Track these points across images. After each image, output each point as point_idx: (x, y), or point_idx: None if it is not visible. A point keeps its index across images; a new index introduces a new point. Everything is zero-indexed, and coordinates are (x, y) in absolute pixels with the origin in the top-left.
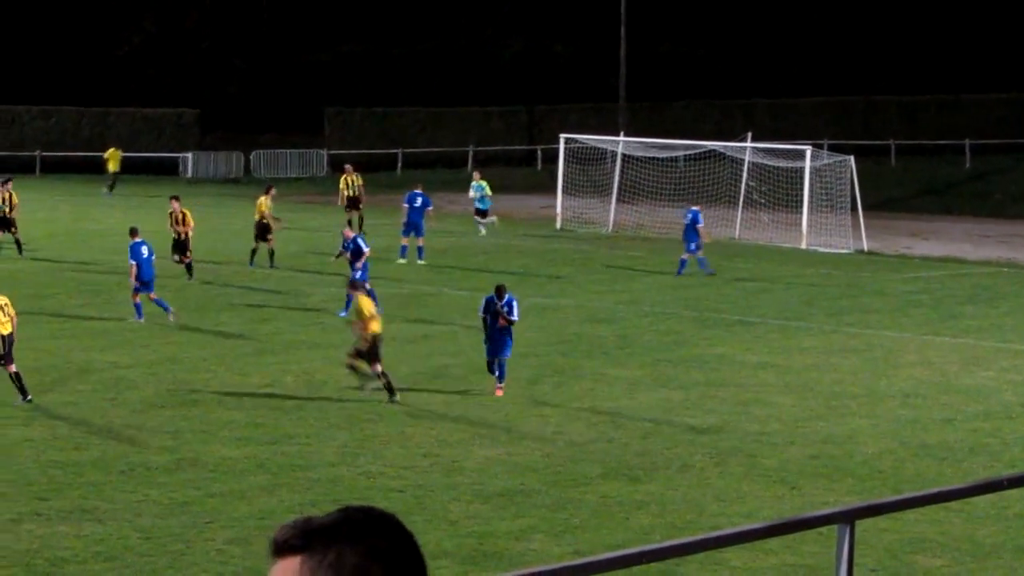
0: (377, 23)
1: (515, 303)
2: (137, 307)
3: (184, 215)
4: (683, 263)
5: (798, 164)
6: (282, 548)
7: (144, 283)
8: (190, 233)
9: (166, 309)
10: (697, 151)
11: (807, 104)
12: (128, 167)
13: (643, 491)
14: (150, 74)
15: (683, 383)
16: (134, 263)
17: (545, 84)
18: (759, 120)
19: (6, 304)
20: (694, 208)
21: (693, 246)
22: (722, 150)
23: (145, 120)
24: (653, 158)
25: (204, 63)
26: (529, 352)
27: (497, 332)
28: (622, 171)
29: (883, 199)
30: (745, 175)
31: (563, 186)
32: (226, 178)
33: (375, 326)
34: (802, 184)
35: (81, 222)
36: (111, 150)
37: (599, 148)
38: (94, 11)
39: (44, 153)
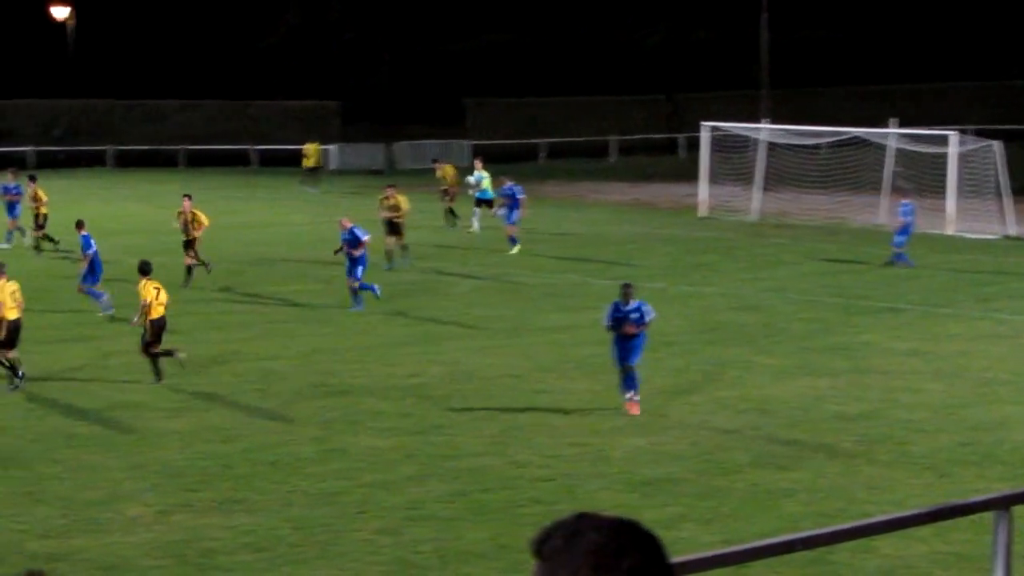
0: (518, 13)
1: (645, 307)
2: (99, 297)
3: (194, 215)
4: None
5: (943, 150)
6: (531, 550)
7: (94, 274)
8: (199, 235)
9: (100, 302)
10: (840, 138)
11: (951, 89)
12: (270, 160)
13: (791, 479)
14: (292, 66)
15: (830, 371)
16: (89, 254)
17: (686, 72)
18: (902, 106)
19: (16, 290)
20: (907, 201)
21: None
22: (865, 136)
23: (287, 112)
24: (796, 145)
25: (346, 55)
26: (675, 341)
27: (625, 337)
28: (765, 158)
29: None
30: (890, 161)
31: (706, 174)
32: (369, 169)
33: (160, 310)
34: (947, 170)
35: (224, 215)
36: (310, 144)
37: (741, 136)
38: (237, 4)
39: (187, 147)
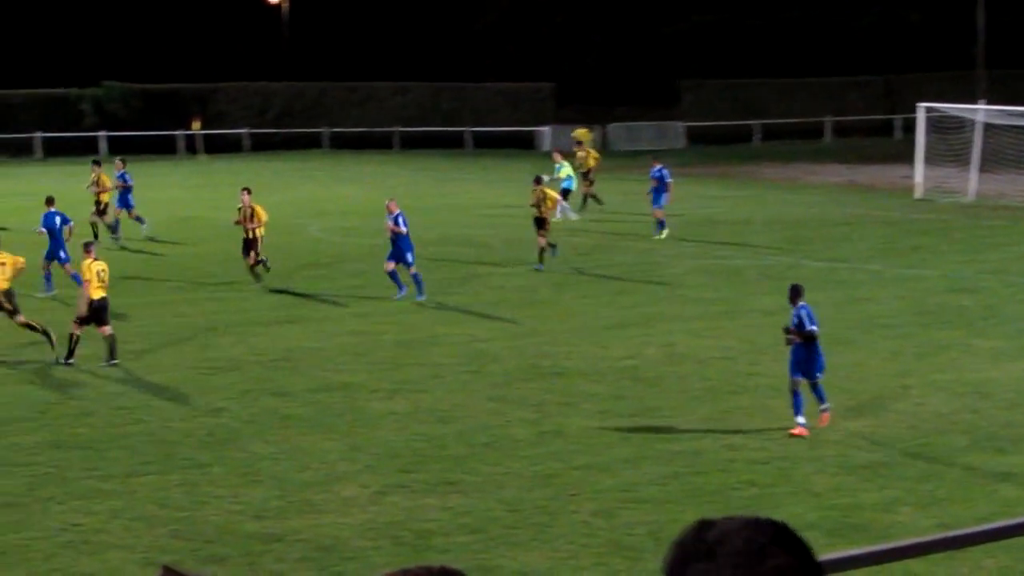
0: None
1: (805, 311)
2: (47, 278)
3: (253, 210)
4: None
5: None
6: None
7: (57, 254)
8: (260, 232)
9: (47, 284)
10: None
11: None
12: (484, 141)
13: (1009, 463)
14: (506, 49)
15: None
16: (45, 230)
17: (901, 53)
18: None
19: (103, 270)
20: None
21: None
22: None
23: (501, 95)
24: (1014, 126)
25: (559, 37)
26: (891, 323)
27: (799, 346)
28: (982, 139)
29: None
30: None
31: (922, 155)
32: None
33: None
34: None
35: (436, 197)
36: (581, 129)
37: (958, 116)
38: None
39: (401, 129)
